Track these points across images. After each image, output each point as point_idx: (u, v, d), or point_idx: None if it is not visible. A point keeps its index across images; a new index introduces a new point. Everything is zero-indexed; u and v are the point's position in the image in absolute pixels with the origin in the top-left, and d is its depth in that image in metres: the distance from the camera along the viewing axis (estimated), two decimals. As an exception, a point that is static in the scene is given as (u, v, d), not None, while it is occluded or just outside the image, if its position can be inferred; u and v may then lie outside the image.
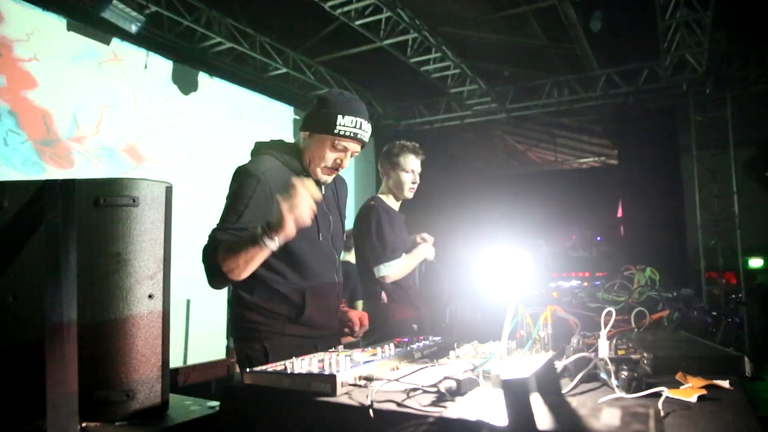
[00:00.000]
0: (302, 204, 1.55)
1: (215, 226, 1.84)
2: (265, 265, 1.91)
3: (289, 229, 1.57)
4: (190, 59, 6.25)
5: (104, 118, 5.37)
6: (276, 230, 1.58)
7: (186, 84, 6.23)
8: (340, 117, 1.87)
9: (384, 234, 2.77)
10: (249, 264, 1.68)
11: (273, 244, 1.62)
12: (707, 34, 6.02)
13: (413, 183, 2.93)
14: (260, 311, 1.90)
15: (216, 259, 1.68)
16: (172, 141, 6.01)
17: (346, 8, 5.67)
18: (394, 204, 2.99)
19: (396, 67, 7.25)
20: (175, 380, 1.44)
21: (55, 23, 5.03)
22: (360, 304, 3.02)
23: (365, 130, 1.92)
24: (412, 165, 2.92)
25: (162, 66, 5.99)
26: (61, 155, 5.01)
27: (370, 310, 2.82)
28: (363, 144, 1.96)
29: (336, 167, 1.96)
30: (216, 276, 1.71)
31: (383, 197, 2.99)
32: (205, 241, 1.82)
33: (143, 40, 5.63)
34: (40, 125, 4.87)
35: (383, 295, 2.82)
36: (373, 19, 5.93)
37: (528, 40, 6.87)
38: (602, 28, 6.34)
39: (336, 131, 1.87)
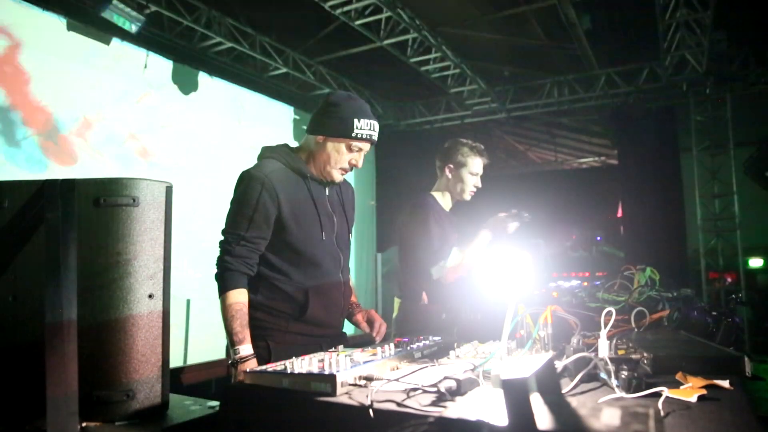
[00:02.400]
0: None
1: (227, 230, 1.92)
2: (270, 265, 1.95)
3: None
4: (190, 59, 6.25)
5: (104, 117, 5.37)
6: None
7: (186, 84, 6.22)
8: (356, 121, 1.95)
9: (434, 234, 2.67)
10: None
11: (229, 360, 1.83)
12: (707, 34, 6.02)
13: (475, 186, 2.85)
14: (265, 310, 1.93)
15: (222, 290, 1.87)
16: (172, 141, 6.00)
17: (346, 8, 5.67)
18: (448, 203, 2.91)
19: (396, 67, 7.25)
20: (175, 380, 1.46)
21: (55, 23, 5.03)
22: (396, 302, 2.94)
23: (377, 131, 2.02)
24: (478, 168, 2.83)
25: (162, 66, 5.99)
26: (63, 153, 5.01)
27: (408, 310, 2.77)
28: (374, 143, 2.05)
29: (352, 167, 2.05)
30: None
31: (437, 195, 2.89)
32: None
33: (143, 40, 5.63)
34: (41, 124, 4.87)
35: (424, 296, 2.73)
36: (373, 19, 5.93)
37: (528, 40, 6.86)
38: (602, 28, 6.34)
39: (354, 135, 1.96)
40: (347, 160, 2.01)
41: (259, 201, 1.89)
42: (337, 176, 2.04)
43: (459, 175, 2.83)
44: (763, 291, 8.76)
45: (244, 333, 1.83)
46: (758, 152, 7.10)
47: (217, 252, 1.92)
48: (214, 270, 1.92)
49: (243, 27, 6.28)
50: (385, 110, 8.84)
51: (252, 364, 1.77)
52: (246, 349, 1.81)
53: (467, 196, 2.86)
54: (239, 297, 1.86)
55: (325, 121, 1.99)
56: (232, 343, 1.82)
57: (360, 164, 2.05)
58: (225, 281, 1.87)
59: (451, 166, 2.84)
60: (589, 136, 10.42)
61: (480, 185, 2.86)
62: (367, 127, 1.96)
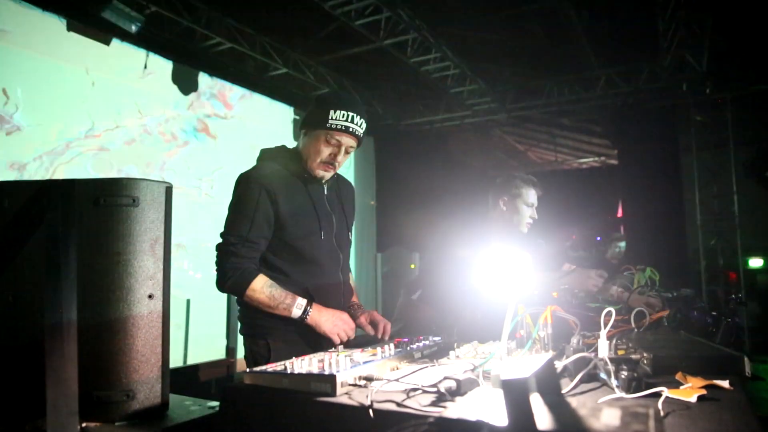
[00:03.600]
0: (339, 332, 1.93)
1: (229, 232, 1.91)
2: (269, 265, 1.95)
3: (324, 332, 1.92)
4: (190, 59, 6.25)
5: (104, 118, 5.36)
6: (311, 324, 1.89)
7: (186, 84, 6.22)
8: (332, 111, 1.92)
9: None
10: (269, 310, 1.90)
11: (300, 318, 1.90)
12: (707, 35, 6.02)
13: (531, 218, 2.82)
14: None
15: (244, 287, 1.87)
16: (171, 141, 6.01)
17: (346, 8, 5.66)
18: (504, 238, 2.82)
19: (396, 67, 7.25)
20: (175, 380, 1.45)
21: (55, 23, 5.03)
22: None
23: (357, 124, 1.96)
24: (533, 198, 2.81)
25: (162, 66, 5.99)
26: (63, 154, 5.01)
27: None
28: (357, 139, 2.00)
29: (331, 162, 1.99)
30: (234, 294, 1.93)
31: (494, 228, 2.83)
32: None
33: (143, 40, 5.63)
34: (42, 123, 4.87)
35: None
36: (373, 19, 5.93)
37: (528, 41, 6.86)
38: (602, 28, 6.33)
39: (328, 125, 1.92)
40: (327, 154, 1.96)
41: (259, 202, 1.89)
42: (320, 172, 1.99)
43: (514, 207, 2.80)
44: (763, 291, 8.76)
45: (288, 295, 1.90)
46: (758, 153, 7.11)
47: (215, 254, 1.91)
48: (221, 275, 1.89)
49: (243, 27, 6.28)
50: (385, 110, 8.84)
51: (316, 310, 1.91)
52: (299, 303, 1.90)
53: (524, 228, 2.81)
54: (262, 279, 1.89)
55: (308, 115, 2.00)
56: (288, 307, 1.88)
57: (340, 158, 1.99)
58: (242, 279, 1.87)
59: (506, 198, 2.81)
60: (589, 136, 10.42)
61: (536, 217, 2.82)
62: (342, 117, 1.91)
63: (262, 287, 1.87)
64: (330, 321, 1.91)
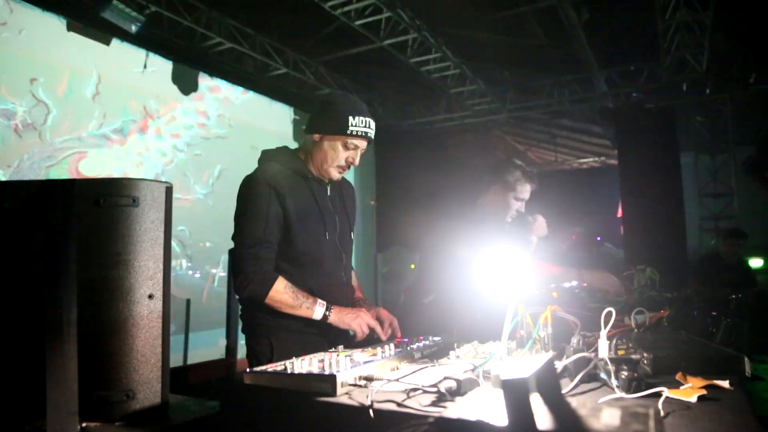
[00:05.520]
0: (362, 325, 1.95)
1: (244, 236, 1.90)
2: (273, 264, 1.95)
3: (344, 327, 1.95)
4: (190, 59, 6.25)
5: (104, 118, 5.36)
6: (334, 322, 1.92)
7: (186, 84, 6.22)
8: (351, 118, 1.96)
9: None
10: (290, 311, 1.91)
11: (322, 317, 1.93)
12: (707, 35, 6.02)
13: (518, 211, 2.74)
14: (267, 308, 1.93)
15: (266, 290, 1.87)
16: (171, 141, 6.00)
17: (346, 8, 5.66)
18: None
19: (396, 67, 7.25)
20: (175, 380, 1.45)
21: (55, 23, 5.03)
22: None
23: (373, 128, 2.03)
24: (526, 194, 2.72)
25: (162, 66, 5.99)
26: (64, 154, 5.01)
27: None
28: (370, 141, 2.06)
29: (349, 165, 2.05)
30: (255, 297, 1.89)
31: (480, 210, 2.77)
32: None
33: (143, 40, 5.63)
34: (41, 123, 4.87)
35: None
36: (373, 19, 5.93)
37: (528, 40, 6.86)
38: (602, 28, 6.33)
39: (349, 131, 1.97)
40: (344, 158, 2.02)
41: (270, 203, 1.91)
42: (335, 174, 2.05)
43: (504, 198, 2.72)
44: (763, 291, 8.75)
45: (308, 296, 1.92)
46: (758, 152, 7.10)
47: (226, 257, 1.90)
48: (242, 279, 1.88)
49: (243, 27, 6.28)
50: (385, 110, 8.83)
51: (337, 309, 1.94)
52: (320, 302, 1.92)
53: (508, 218, 2.75)
54: (282, 280, 1.90)
55: (321, 120, 2.01)
56: (310, 306, 1.90)
57: (357, 162, 2.06)
58: (264, 281, 1.88)
59: (498, 185, 2.73)
60: (589, 136, 10.42)
61: (523, 211, 2.76)
62: (362, 124, 1.98)
63: (284, 288, 1.89)
64: (351, 315, 1.94)
